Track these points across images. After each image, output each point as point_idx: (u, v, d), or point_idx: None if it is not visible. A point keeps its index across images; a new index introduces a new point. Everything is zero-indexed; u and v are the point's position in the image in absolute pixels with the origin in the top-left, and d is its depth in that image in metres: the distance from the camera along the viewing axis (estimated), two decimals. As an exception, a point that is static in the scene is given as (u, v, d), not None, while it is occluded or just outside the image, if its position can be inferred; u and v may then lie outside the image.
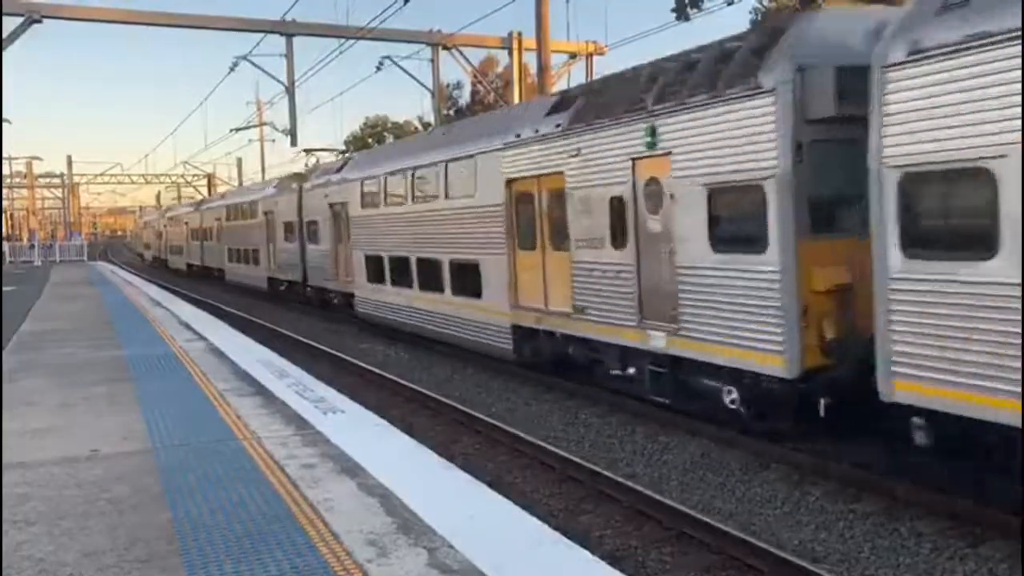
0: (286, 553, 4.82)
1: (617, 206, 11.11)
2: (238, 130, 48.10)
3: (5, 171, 62.95)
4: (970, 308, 6.74)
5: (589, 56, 32.79)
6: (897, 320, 7.34)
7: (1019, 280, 6.35)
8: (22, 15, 26.94)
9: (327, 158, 30.23)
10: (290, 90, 32.55)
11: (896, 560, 6.92)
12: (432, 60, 32.93)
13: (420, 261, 17.52)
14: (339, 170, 23.42)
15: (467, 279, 15.42)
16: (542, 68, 23.94)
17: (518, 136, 13.49)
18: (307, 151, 30.74)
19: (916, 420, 7.31)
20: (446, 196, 16.20)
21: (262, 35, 30.99)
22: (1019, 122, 6.25)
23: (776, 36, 9.06)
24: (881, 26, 7.87)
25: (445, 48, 32.80)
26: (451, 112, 51.84)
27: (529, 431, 10.96)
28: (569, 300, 12.30)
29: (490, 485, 6.81)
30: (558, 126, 12.37)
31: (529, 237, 13.51)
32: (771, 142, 8.64)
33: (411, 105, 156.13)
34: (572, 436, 11.01)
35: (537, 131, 12.95)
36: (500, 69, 47.73)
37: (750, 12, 35.35)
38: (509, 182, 13.78)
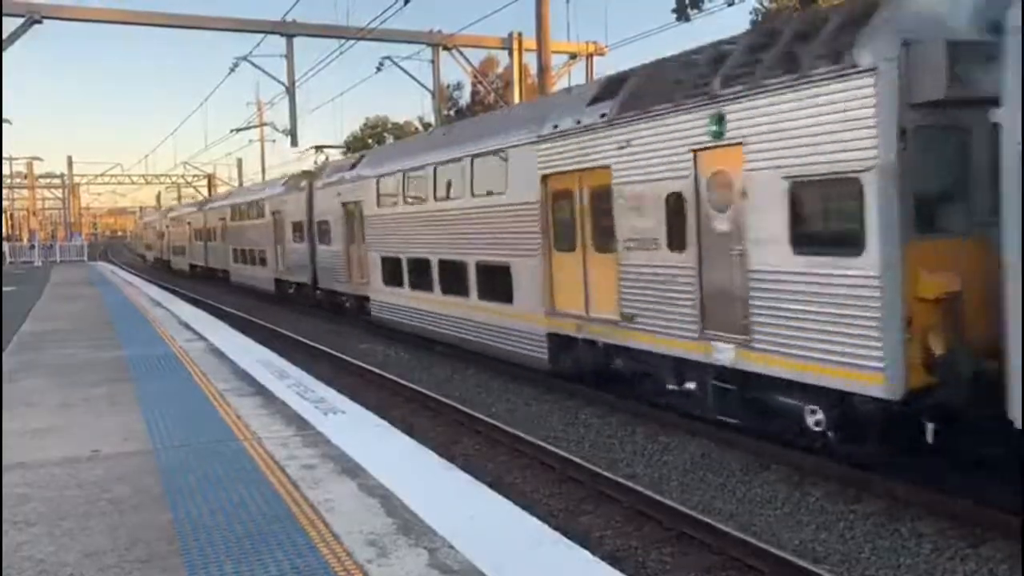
0: (287, 554, 4.82)
1: (675, 203, 10.03)
2: (238, 130, 48.11)
3: (5, 171, 63.01)
4: None
5: (589, 57, 32.82)
6: None
7: None
8: (22, 15, 26.96)
9: (327, 157, 29.79)
10: (290, 90, 32.57)
11: (897, 560, 6.93)
12: (432, 61, 32.95)
13: (443, 263, 16.46)
14: (353, 167, 22.26)
15: (496, 282, 14.34)
16: (542, 68, 23.94)
17: (556, 128, 12.34)
18: (317, 148, 29.96)
19: None
20: (472, 193, 15.11)
21: (262, 36, 30.99)
22: None
23: (871, 7, 7.91)
24: None
25: (445, 48, 32.81)
26: (451, 113, 51.85)
27: (529, 431, 10.96)
28: (615, 307, 11.22)
29: (490, 485, 6.81)
30: (603, 116, 11.24)
31: (568, 237, 12.42)
32: (870, 129, 7.53)
33: (411, 106, 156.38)
34: (572, 436, 11.02)
35: (578, 122, 11.78)
36: (500, 70, 47.76)
37: (750, 13, 35.41)
38: (545, 178, 12.68)
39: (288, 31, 30.71)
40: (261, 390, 9.84)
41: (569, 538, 5.35)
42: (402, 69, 32.08)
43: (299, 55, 39.65)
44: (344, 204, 22.21)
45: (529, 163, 12.99)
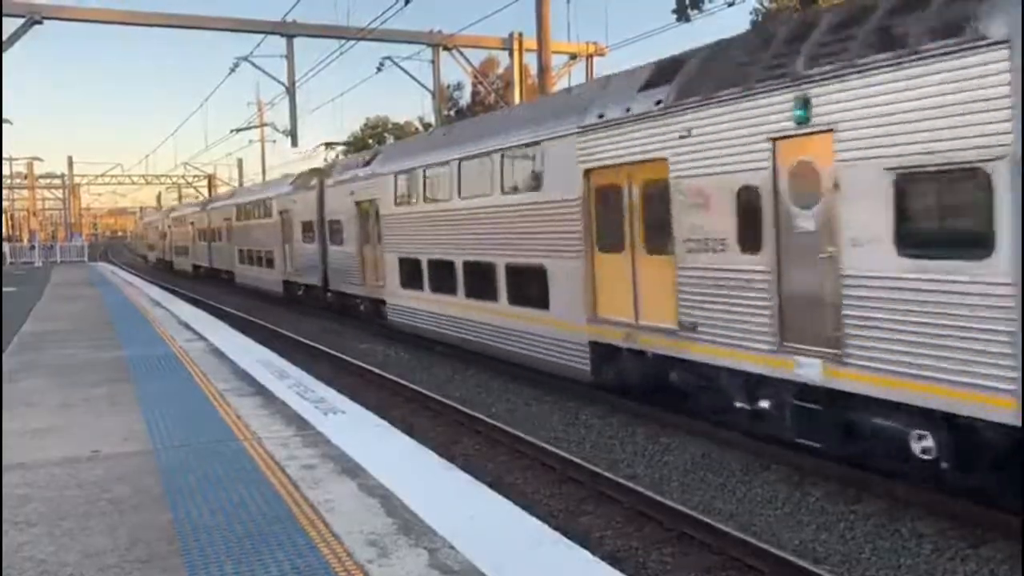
0: (287, 554, 4.82)
1: (748, 199, 8.97)
2: (239, 131, 48.18)
3: (5, 172, 63.06)
4: None
5: (589, 57, 32.84)
6: None
7: None
8: (23, 16, 26.98)
9: (337, 154, 29.43)
10: (291, 91, 32.59)
11: (897, 561, 6.93)
12: (433, 61, 32.96)
13: (468, 265, 15.43)
14: (367, 164, 21.17)
15: (529, 286, 13.31)
16: (542, 69, 23.95)
17: (601, 117, 11.28)
18: (327, 145, 29.52)
19: None
20: (503, 190, 14.08)
21: (263, 36, 31.03)
22: None
23: None
24: None
25: (446, 49, 32.82)
26: (451, 113, 51.86)
27: (530, 432, 10.96)
28: (672, 314, 10.16)
29: (491, 486, 6.80)
30: (658, 103, 10.20)
31: (614, 237, 11.31)
32: (1000, 111, 6.52)
33: (412, 106, 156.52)
34: (573, 437, 11.01)
35: (628, 110, 10.73)
36: (501, 70, 47.78)
37: (751, 13, 35.42)
38: (588, 172, 11.63)
39: (288, 31, 30.73)
40: (261, 390, 9.84)
41: (569, 538, 5.35)
42: (402, 69, 32.13)
43: (299, 55, 39.80)
44: (358, 203, 21.22)
45: (569, 157, 11.97)
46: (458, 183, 15.67)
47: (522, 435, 10.66)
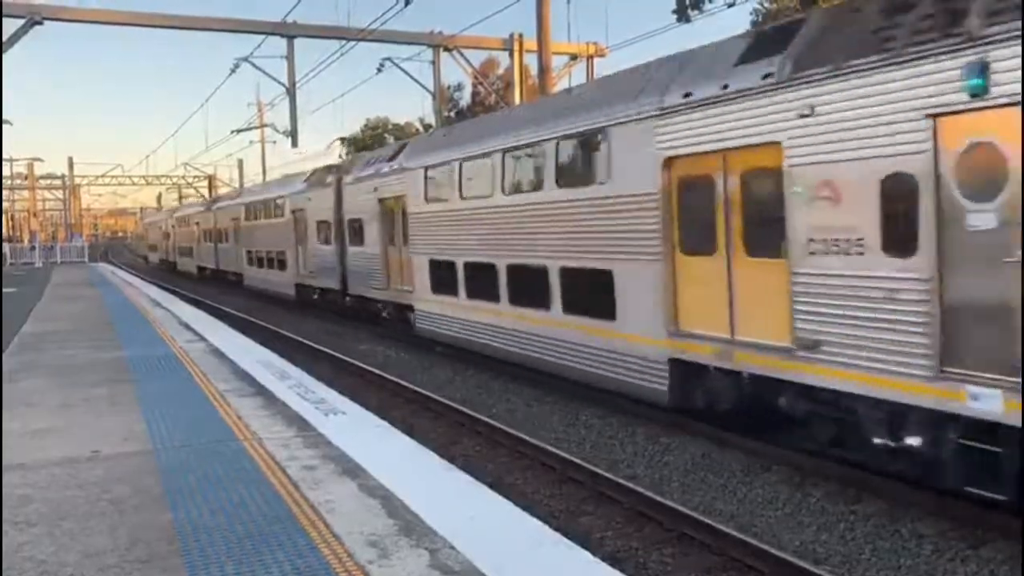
0: (287, 554, 4.82)
1: (896, 190, 7.44)
2: (239, 131, 48.17)
3: (6, 172, 63.11)
4: None
5: (590, 58, 32.86)
6: None
7: None
8: (23, 16, 27.00)
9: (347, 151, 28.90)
10: (291, 92, 32.60)
11: (897, 562, 6.93)
12: (433, 62, 32.98)
13: (513, 269, 13.96)
14: (392, 157, 19.65)
15: (590, 293, 11.79)
16: (543, 69, 23.97)
17: (687, 96, 9.80)
18: (342, 140, 29.08)
19: None
20: (557, 184, 12.56)
21: (263, 37, 31.02)
22: None
23: None
24: None
25: (446, 50, 32.84)
26: (452, 114, 51.88)
27: (530, 432, 10.96)
28: (784, 329, 8.60)
29: (491, 486, 6.80)
30: (768, 76, 8.70)
31: (702, 237, 9.77)
32: None
33: (412, 107, 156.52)
34: (573, 437, 11.01)
35: (726, 86, 9.25)
36: (501, 71, 47.77)
37: (751, 14, 35.40)
38: (668, 161, 10.13)
39: (289, 32, 30.74)
40: (262, 391, 9.84)
41: (570, 539, 5.35)
42: (403, 70, 32.13)
43: (300, 56, 39.84)
44: (382, 200, 19.78)
45: (643, 144, 10.46)
46: (502, 176, 14.20)
47: (523, 436, 10.66)
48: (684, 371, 10.19)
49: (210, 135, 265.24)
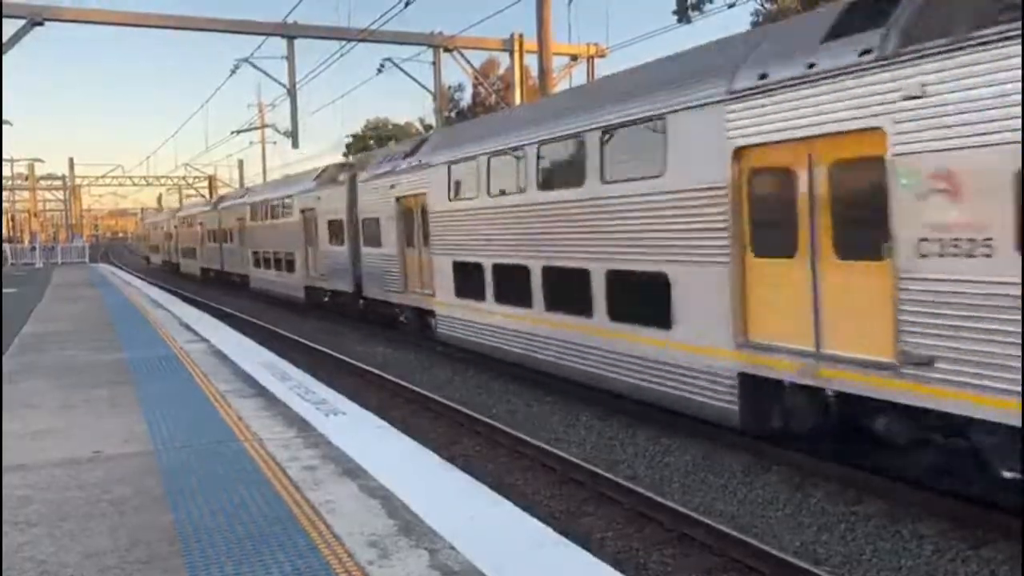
0: (288, 555, 4.82)
1: None
2: (239, 132, 48.27)
3: (6, 173, 63.19)
4: None
5: (590, 59, 32.86)
6: None
7: None
8: (24, 17, 27.02)
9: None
10: (291, 92, 32.60)
11: (898, 562, 6.93)
12: (433, 62, 33.01)
13: (549, 272, 12.81)
14: (411, 153, 18.54)
15: (642, 299, 10.70)
16: (543, 70, 23.98)
17: (763, 78, 8.69)
18: (353, 138, 28.58)
19: None
20: (602, 179, 11.38)
21: (264, 37, 31.05)
22: None
23: None
24: None
25: (446, 50, 32.86)
26: (452, 114, 51.91)
27: (530, 433, 10.96)
28: (886, 342, 7.50)
29: (491, 487, 6.80)
30: (866, 52, 7.58)
31: (780, 237, 8.67)
32: None
33: (412, 107, 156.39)
34: (573, 438, 11.01)
35: (811, 66, 8.14)
36: (501, 71, 47.80)
37: (751, 14, 35.40)
38: (739, 151, 9.03)
39: (289, 33, 30.76)
40: (262, 391, 9.84)
41: (570, 539, 5.34)
42: (403, 71, 32.18)
43: (300, 57, 39.91)
44: (400, 198, 18.67)
45: (709, 132, 9.39)
46: (537, 171, 13.06)
47: (523, 436, 10.66)
48: (756, 387, 9.09)
49: (210, 136, 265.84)
